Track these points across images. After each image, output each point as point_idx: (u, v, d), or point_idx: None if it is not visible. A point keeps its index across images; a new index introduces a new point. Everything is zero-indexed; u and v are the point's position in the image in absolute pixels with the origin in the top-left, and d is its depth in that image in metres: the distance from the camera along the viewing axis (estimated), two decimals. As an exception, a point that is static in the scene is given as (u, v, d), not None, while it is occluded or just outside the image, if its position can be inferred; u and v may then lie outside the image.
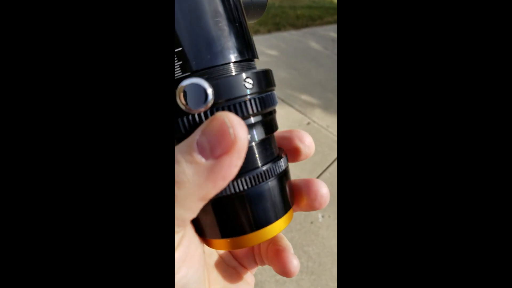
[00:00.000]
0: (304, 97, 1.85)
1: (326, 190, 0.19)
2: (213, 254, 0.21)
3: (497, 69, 0.15)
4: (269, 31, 2.56)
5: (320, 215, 1.24)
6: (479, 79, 0.15)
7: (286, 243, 0.19)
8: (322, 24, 3.17)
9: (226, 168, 0.13)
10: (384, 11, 0.16)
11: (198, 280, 0.16)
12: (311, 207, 0.19)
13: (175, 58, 0.14)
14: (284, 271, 0.18)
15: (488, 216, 0.15)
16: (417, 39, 0.16)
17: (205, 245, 0.18)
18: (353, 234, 0.16)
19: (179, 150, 0.13)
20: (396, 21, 0.16)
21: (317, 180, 0.19)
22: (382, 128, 0.16)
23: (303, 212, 1.22)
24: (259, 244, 0.21)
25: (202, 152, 0.13)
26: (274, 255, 0.19)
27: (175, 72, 0.14)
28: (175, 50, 0.14)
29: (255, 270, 0.22)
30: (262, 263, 0.21)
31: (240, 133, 0.13)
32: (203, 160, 0.13)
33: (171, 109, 0.14)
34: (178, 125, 0.14)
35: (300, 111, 1.72)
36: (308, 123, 1.65)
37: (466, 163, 0.16)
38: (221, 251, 0.21)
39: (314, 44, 2.61)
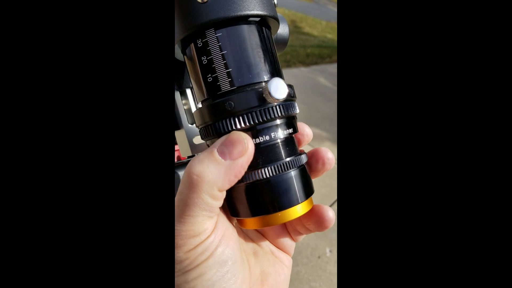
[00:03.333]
0: (313, 130, 1.88)
1: (332, 214, 0.22)
2: (250, 243, 0.24)
3: (495, 72, 0.16)
4: (280, 68, 2.68)
5: (328, 250, 1.21)
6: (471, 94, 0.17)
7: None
8: (331, 62, 3.29)
9: (239, 167, 0.18)
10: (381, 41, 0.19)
11: (235, 257, 0.19)
12: (317, 228, 0.22)
13: (226, 76, 0.19)
14: (322, 224, 0.22)
15: (489, 236, 0.16)
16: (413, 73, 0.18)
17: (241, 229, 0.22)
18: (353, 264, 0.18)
19: (201, 155, 0.18)
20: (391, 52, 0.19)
21: (324, 206, 0.22)
22: (380, 160, 0.18)
23: (310, 246, 1.20)
24: (293, 222, 0.24)
25: (221, 155, 0.18)
26: (310, 214, 0.22)
27: (224, 86, 0.19)
28: (226, 71, 0.19)
29: (292, 249, 0.25)
30: (298, 237, 0.25)
31: (250, 143, 0.18)
32: (223, 160, 0.17)
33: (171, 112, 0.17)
34: (253, 116, 0.19)
35: (309, 144, 1.75)
36: (317, 156, 1.67)
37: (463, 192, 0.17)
38: (259, 239, 0.24)
39: (323, 80, 2.70)
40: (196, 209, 0.17)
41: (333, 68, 3.08)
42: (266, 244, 0.24)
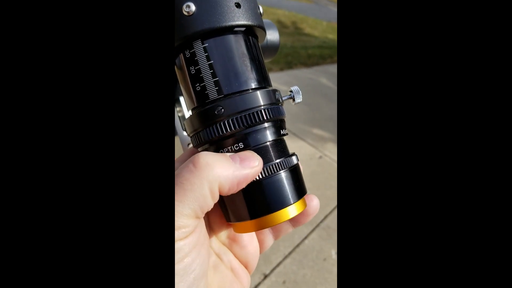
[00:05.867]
0: (316, 131, 1.88)
1: (316, 202, 0.22)
2: (212, 255, 0.23)
3: (494, 73, 0.16)
4: (281, 69, 2.69)
5: (333, 252, 1.19)
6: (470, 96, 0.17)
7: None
8: (332, 62, 3.29)
9: (245, 175, 0.18)
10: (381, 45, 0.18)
11: (201, 272, 0.17)
12: (302, 220, 0.23)
13: (213, 85, 0.19)
14: (305, 212, 0.22)
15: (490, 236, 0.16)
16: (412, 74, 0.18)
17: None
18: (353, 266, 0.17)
19: (210, 153, 0.18)
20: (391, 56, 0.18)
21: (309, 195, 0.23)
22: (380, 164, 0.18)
23: (315, 248, 1.19)
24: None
25: (232, 159, 0.18)
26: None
27: (212, 95, 0.19)
28: (214, 80, 0.19)
29: (255, 263, 0.24)
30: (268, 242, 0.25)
31: (259, 166, 0.19)
32: (233, 162, 0.18)
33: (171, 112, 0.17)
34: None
35: (312, 145, 1.74)
36: (320, 157, 1.66)
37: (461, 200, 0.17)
38: (223, 253, 0.23)
39: (325, 81, 2.70)
40: (191, 196, 0.16)
41: (334, 69, 3.07)
42: (228, 258, 0.23)
